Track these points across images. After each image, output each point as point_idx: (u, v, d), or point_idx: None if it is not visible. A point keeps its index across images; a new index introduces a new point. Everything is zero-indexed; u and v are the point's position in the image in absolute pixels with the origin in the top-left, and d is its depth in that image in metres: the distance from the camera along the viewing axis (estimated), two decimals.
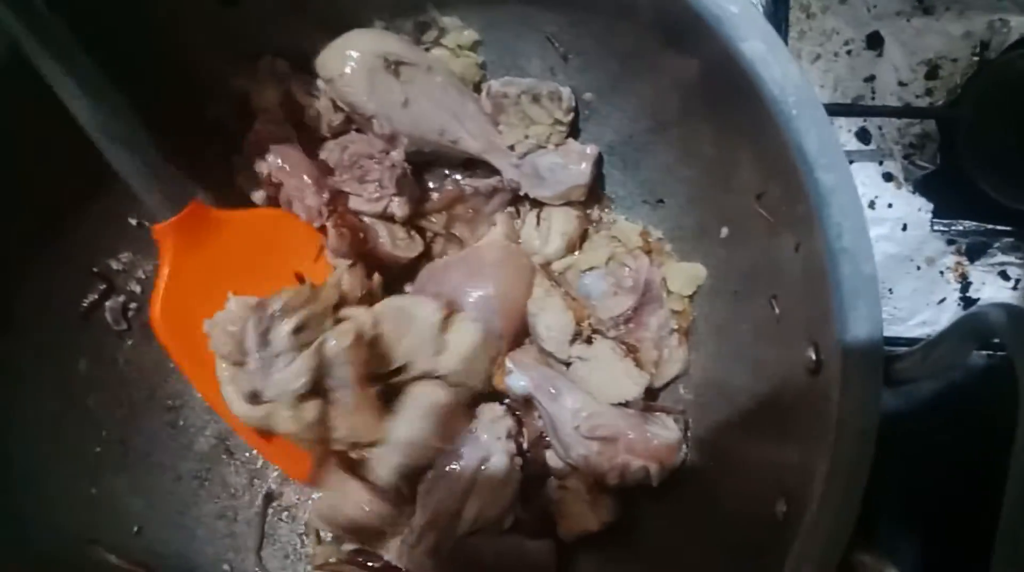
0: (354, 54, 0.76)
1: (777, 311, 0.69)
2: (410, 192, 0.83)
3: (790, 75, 0.58)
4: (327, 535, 0.86)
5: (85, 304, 0.82)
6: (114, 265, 0.84)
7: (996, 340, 0.52)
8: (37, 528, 0.75)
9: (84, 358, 0.82)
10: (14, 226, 0.74)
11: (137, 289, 0.85)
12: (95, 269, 0.83)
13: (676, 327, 0.83)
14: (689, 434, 0.82)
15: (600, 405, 0.79)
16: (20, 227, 0.74)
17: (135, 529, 0.82)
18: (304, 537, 0.87)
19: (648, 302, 0.83)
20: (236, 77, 0.81)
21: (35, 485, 0.76)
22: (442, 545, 0.79)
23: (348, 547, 0.85)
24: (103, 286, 0.83)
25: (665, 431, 0.79)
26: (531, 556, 0.80)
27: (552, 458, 0.82)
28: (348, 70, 0.76)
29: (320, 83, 0.81)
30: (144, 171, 0.68)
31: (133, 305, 0.85)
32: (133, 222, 0.84)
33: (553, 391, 0.79)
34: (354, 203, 0.82)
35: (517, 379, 0.80)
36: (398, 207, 0.82)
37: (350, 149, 0.81)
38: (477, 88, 0.84)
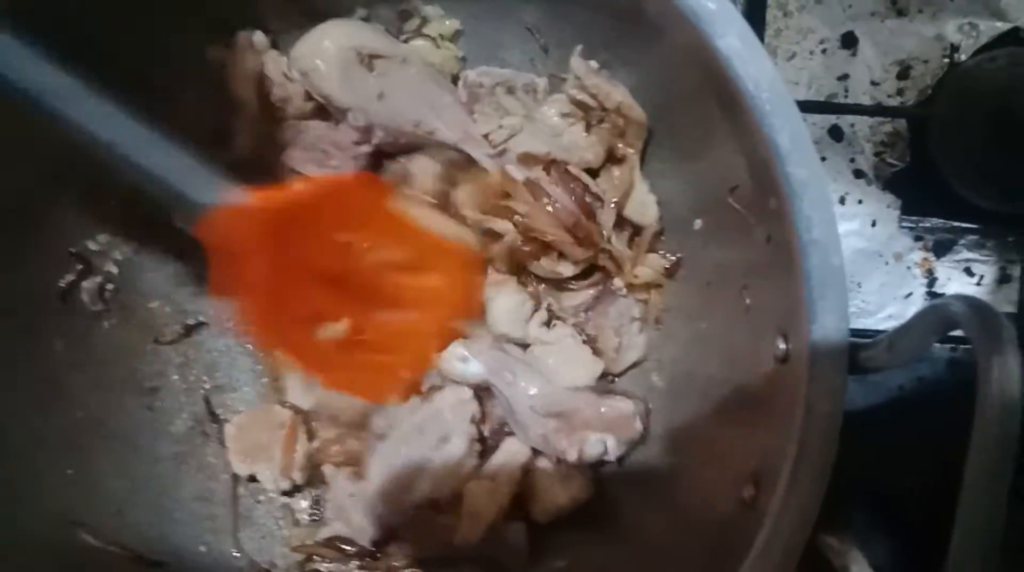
0: (328, 47, 0.77)
1: (748, 301, 0.71)
2: None
3: (765, 72, 0.60)
4: (304, 517, 0.87)
5: (62, 285, 0.82)
6: (91, 246, 0.84)
7: (958, 331, 0.54)
8: (17, 510, 0.74)
9: (61, 339, 0.82)
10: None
11: (114, 270, 0.86)
12: (72, 250, 0.83)
13: (640, 316, 0.84)
14: (649, 417, 0.84)
15: (556, 387, 0.80)
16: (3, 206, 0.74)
17: (115, 511, 0.82)
18: (280, 520, 0.88)
19: (609, 291, 0.85)
20: (212, 47, 0.80)
21: (15, 467, 0.76)
22: (391, 516, 0.81)
23: (324, 532, 0.86)
24: (80, 267, 0.83)
25: (619, 403, 0.81)
26: (504, 537, 0.81)
27: (515, 444, 0.83)
28: (322, 64, 0.77)
29: (295, 73, 0.81)
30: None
31: (110, 286, 0.85)
32: (113, 203, 0.83)
33: (509, 376, 0.80)
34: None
35: (472, 365, 0.81)
36: None
37: (314, 132, 0.82)
38: (456, 79, 0.85)
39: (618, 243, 0.82)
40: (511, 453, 0.81)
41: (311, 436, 0.87)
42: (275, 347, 0.81)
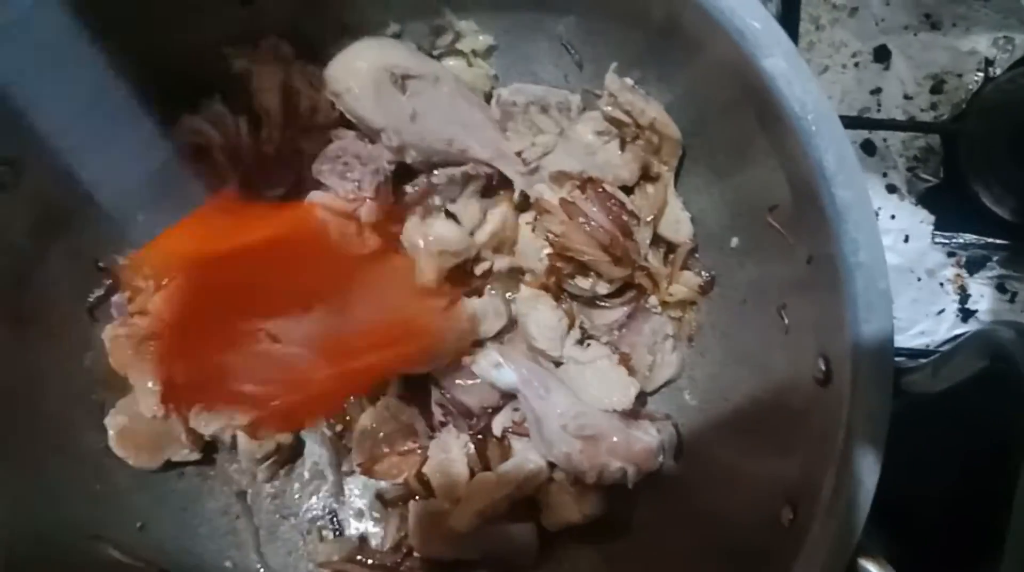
0: (361, 68, 0.76)
1: (786, 321, 0.70)
2: (383, 199, 0.82)
3: (811, 93, 0.59)
4: (329, 533, 0.87)
5: (91, 299, 0.82)
6: (120, 260, 0.83)
7: (1004, 358, 0.53)
8: (43, 523, 0.75)
9: (90, 352, 0.82)
10: (23, 221, 0.74)
11: (142, 284, 0.84)
12: (101, 264, 0.83)
13: (674, 333, 0.84)
14: (682, 440, 0.83)
15: (588, 407, 0.79)
16: (29, 222, 0.75)
17: (138, 525, 0.81)
18: (306, 535, 0.87)
19: (642, 309, 0.84)
20: (238, 58, 0.80)
21: (41, 480, 0.76)
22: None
23: (350, 545, 0.86)
24: (109, 281, 0.83)
25: (646, 436, 0.80)
26: (514, 537, 0.81)
27: (526, 450, 0.82)
28: (355, 86, 0.76)
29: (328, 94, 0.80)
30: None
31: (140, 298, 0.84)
32: (140, 218, 0.83)
33: (542, 389, 0.79)
34: (322, 197, 0.80)
35: (504, 373, 0.80)
36: (367, 212, 0.80)
37: (340, 143, 0.81)
38: (488, 97, 0.84)
39: (654, 261, 0.81)
40: (526, 461, 0.81)
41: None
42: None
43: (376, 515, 0.87)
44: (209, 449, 0.85)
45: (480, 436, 0.84)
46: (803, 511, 0.63)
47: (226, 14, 0.76)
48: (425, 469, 0.82)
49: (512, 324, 0.85)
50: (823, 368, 0.63)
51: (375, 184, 0.80)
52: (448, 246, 0.80)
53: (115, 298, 0.83)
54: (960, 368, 0.58)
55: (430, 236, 0.80)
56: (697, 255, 0.83)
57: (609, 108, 0.78)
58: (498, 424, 0.82)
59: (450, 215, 0.83)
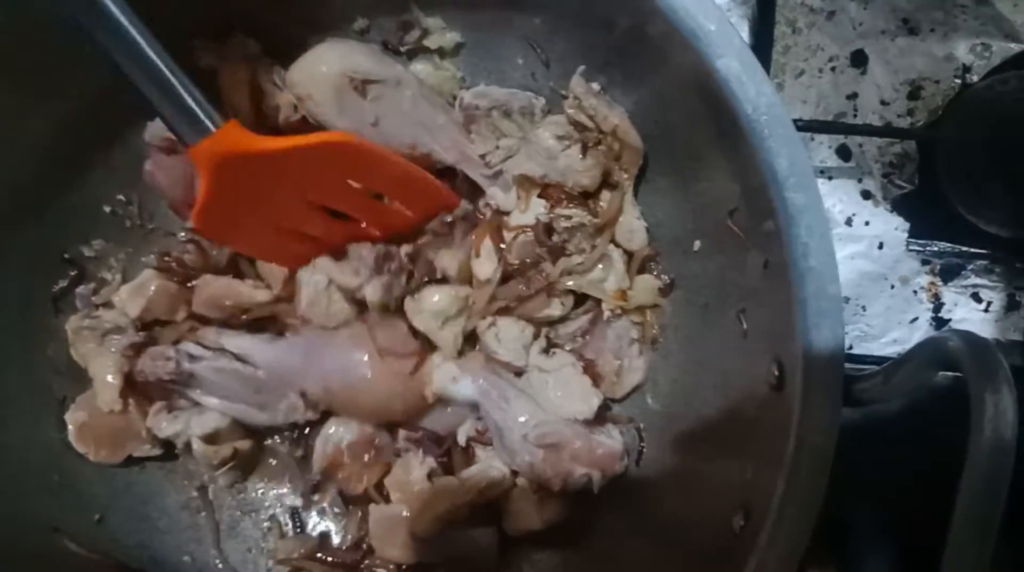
0: (322, 73, 0.76)
1: (745, 325, 0.70)
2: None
3: (764, 95, 0.59)
4: (289, 530, 0.86)
5: (55, 290, 0.82)
6: (86, 252, 0.84)
7: (953, 368, 0.52)
8: (0, 515, 0.74)
9: (52, 343, 0.82)
10: None
11: (108, 276, 0.85)
12: (66, 255, 0.82)
13: (638, 337, 0.83)
14: (643, 444, 0.83)
15: (549, 415, 0.79)
16: None
17: (97, 518, 0.81)
18: (267, 531, 0.87)
19: (603, 313, 0.84)
20: (204, 53, 0.80)
21: (1, 472, 0.76)
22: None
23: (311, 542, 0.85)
24: (74, 272, 0.83)
25: (609, 440, 0.80)
26: (474, 541, 0.81)
27: (490, 459, 0.82)
28: (316, 92, 0.76)
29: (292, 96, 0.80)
30: (173, 89, 0.63)
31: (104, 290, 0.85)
32: (107, 210, 0.83)
33: (501, 400, 0.79)
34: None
35: (462, 386, 0.80)
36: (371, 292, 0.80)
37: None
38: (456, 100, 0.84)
39: (600, 273, 0.82)
40: (489, 468, 0.80)
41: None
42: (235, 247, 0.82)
43: (337, 511, 0.86)
44: (171, 445, 0.85)
45: (445, 456, 0.84)
46: (754, 518, 0.62)
47: (193, 1, 0.75)
48: (386, 482, 0.82)
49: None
50: (776, 373, 0.63)
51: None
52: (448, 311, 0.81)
53: (80, 289, 0.83)
54: (911, 376, 0.57)
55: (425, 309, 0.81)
56: (658, 259, 0.83)
57: (573, 111, 0.77)
58: (462, 433, 0.82)
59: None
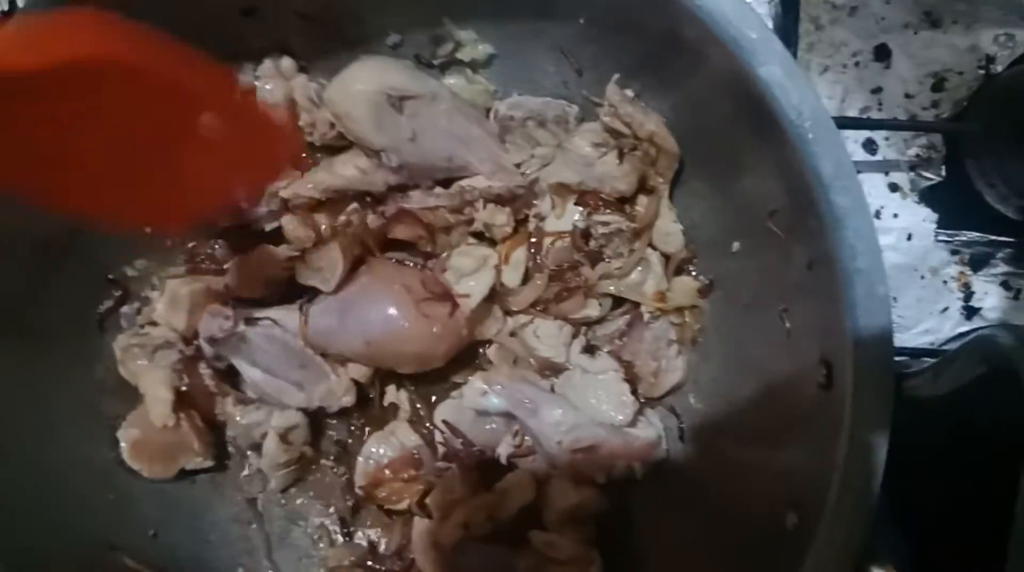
0: (359, 91, 0.77)
1: (788, 325, 0.71)
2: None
3: (807, 100, 0.59)
4: (339, 538, 0.88)
5: (101, 310, 0.83)
6: (129, 272, 0.85)
7: (1004, 362, 0.53)
8: (57, 533, 0.75)
9: (100, 364, 0.83)
10: (32, 234, 0.75)
11: (151, 295, 0.86)
12: (110, 276, 0.84)
13: (676, 338, 0.84)
14: (683, 434, 0.84)
15: (579, 414, 0.80)
16: (38, 234, 0.75)
17: (151, 533, 0.82)
18: (316, 540, 0.88)
19: (641, 315, 0.85)
20: (241, 73, 0.81)
21: (54, 490, 0.77)
22: None
23: (360, 549, 0.87)
24: (118, 293, 0.84)
25: (646, 431, 0.81)
26: (515, 563, 0.81)
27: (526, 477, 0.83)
28: (354, 109, 0.77)
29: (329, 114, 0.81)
30: None
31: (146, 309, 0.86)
32: (148, 230, 0.84)
33: (530, 405, 0.80)
34: None
35: (491, 398, 0.81)
36: None
37: None
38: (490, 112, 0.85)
39: (637, 276, 0.83)
40: (515, 483, 0.82)
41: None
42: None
43: (386, 520, 0.88)
44: (221, 456, 0.86)
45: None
46: (807, 516, 0.63)
47: (226, 25, 0.76)
48: (428, 501, 0.83)
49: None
50: (825, 373, 0.64)
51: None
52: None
53: (124, 309, 0.84)
54: (960, 373, 0.58)
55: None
56: (696, 260, 0.84)
57: (608, 119, 0.78)
58: (502, 452, 0.83)
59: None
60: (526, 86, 0.84)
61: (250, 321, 0.82)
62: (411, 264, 0.86)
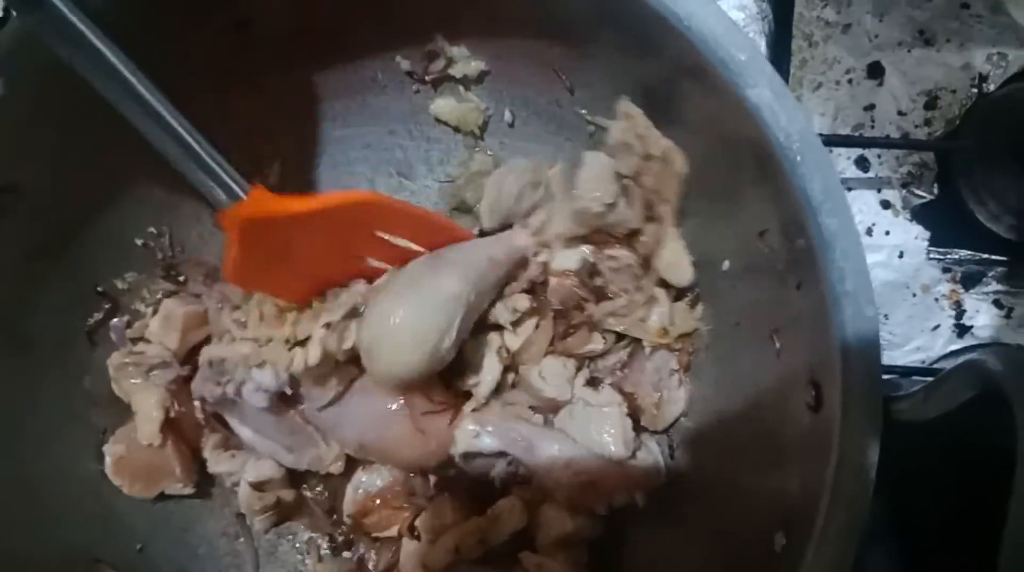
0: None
1: (778, 345, 0.70)
2: None
3: (795, 122, 0.59)
4: (327, 551, 0.87)
5: (90, 322, 0.83)
6: (119, 284, 0.84)
7: (993, 386, 0.53)
8: (43, 547, 0.75)
9: (88, 376, 0.83)
10: (21, 245, 0.74)
11: (141, 308, 0.86)
12: (100, 288, 0.83)
13: (677, 368, 0.83)
14: (675, 452, 0.84)
15: (577, 447, 0.79)
16: (27, 246, 0.75)
17: (138, 547, 0.82)
18: (305, 555, 0.88)
19: (643, 347, 0.84)
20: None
21: (40, 502, 0.77)
22: None
23: (348, 564, 0.86)
24: (107, 305, 0.83)
25: (644, 459, 0.81)
26: None
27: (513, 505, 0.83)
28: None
29: None
30: (202, 160, 0.67)
31: (137, 324, 0.85)
32: (139, 243, 0.84)
33: (524, 443, 0.80)
34: None
35: (484, 439, 0.80)
36: None
37: None
38: (482, 131, 0.86)
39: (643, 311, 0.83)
40: (508, 509, 0.81)
41: None
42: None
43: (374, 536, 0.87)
44: (206, 485, 0.86)
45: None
46: (796, 537, 0.63)
47: (221, 40, 0.76)
48: (418, 523, 0.83)
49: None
50: (814, 394, 0.63)
51: None
52: None
53: (114, 322, 0.84)
54: (950, 396, 0.58)
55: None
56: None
57: (621, 131, 0.77)
58: (496, 476, 0.82)
59: None
60: (518, 103, 0.84)
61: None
62: None
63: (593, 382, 0.83)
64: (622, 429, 0.79)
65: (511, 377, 0.84)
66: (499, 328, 0.82)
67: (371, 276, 0.81)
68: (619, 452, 0.78)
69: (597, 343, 0.82)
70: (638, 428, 0.83)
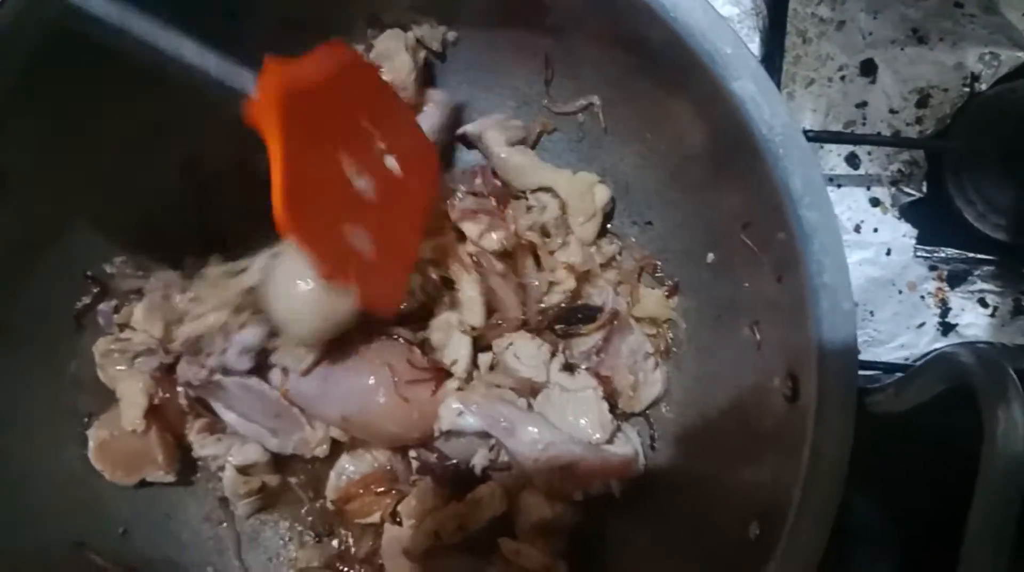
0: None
1: (758, 337, 0.71)
2: None
3: (779, 115, 0.60)
4: (309, 539, 0.88)
5: (78, 307, 0.83)
6: (108, 269, 0.84)
7: (964, 381, 0.54)
8: (25, 531, 0.75)
9: (75, 360, 0.83)
10: (10, 230, 0.74)
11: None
12: (88, 273, 0.83)
13: (652, 350, 0.84)
14: (655, 443, 0.85)
15: (556, 432, 0.80)
16: (16, 231, 0.75)
17: (121, 532, 0.82)
18: (287, 541, 0.88)
19: (617, 330, 0.85)
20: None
21: (24, 488, 0.77)
22: None
23: (330, 551, 0.87)
24: (96, 290, 0.84)
25: (623, 447, 0.81)
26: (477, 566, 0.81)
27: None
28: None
29: None
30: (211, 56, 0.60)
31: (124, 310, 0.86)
32: (129, 225, 0.84)
33: (506, 424, 0.80)
34: None
35: (467, 418, 0.81)
36: None
37: None
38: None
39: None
40: (487, 494, 0.82)
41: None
42: (310, 242, 0.69)
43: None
44: (187, 472, 0.87)
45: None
46: (770, 527, 0.63)
47: (211, 29, 0.76)
48: (400, 508, 0.83)
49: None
50: (791, 385, 0.64)
51: None
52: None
53: (101, 307, 0.84)
54: (921, 390, 0.58)
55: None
56: (663, 267, 0.86)
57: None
58: (477, 464, 0.82)
59: None
60: (507, 93, 0.86)
61: (228, 371, 0.81)
62: (399, 339, 0.85)
63: (569, 368, 0.83)
64: (598, 413, 0.80)
65: (489, 357, 0.85)
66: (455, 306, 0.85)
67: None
68: (596, 435, 0.79)
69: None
70: (617, 415, 0.83)
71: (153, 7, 0.59)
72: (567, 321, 0.86)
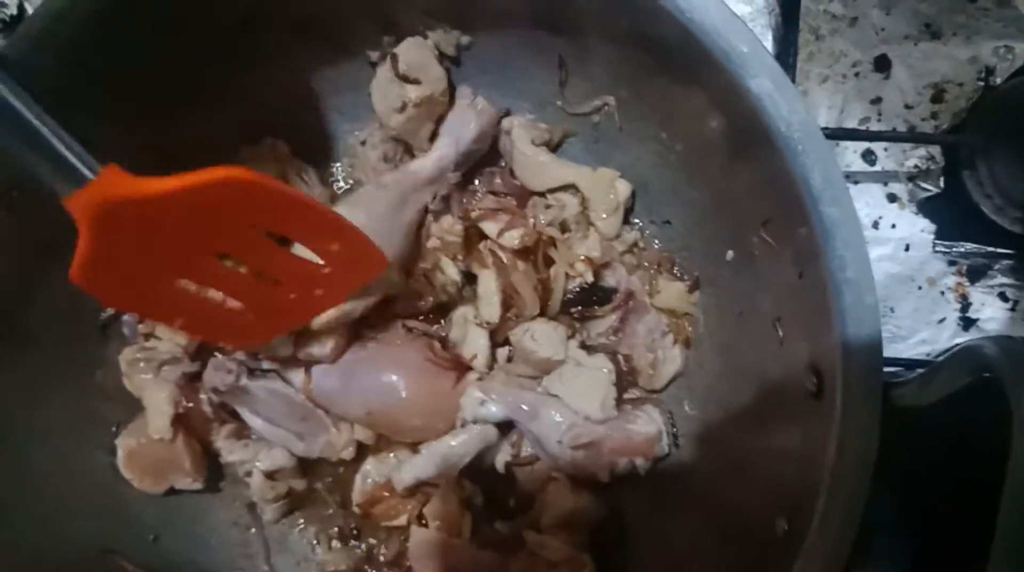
0: None
1: (781, 333, 0.71)
2: None
3: (797, 112, 0.60)
4: (338, 543, 0.88)
5: (103, 317, 0.84)
6: None
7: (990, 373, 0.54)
8: (55, 537, 0.76)
9: (101, 369, 0.84)
10: (33, 239, 0.75)
11: None
12: None
13: (669, 329, 0.86)
14: (678, 440, 0.85)
15: (574, 413, 0.81)
16: (39, 239, 0.75)
17: (151, 538, 0.83)
18: (315, 544, 0.89)
19: (633, 310, 0.86)
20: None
21: (53, 495, 0.78)
22: None
23: (358, 554, 0.87)
24: None
25: (646, 426, 0.82)
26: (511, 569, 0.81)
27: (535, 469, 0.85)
28: None
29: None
30: (45, 138, 0.57)
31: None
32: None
33: (528, 409, 0.81)
34: None
35: (491, 407, 0.82)
36: None
37: None
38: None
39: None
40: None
41: None
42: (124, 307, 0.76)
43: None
44: (215, 478, 0.87)
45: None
46: (798, 522, 0.63)
47: (225, 40, 0.77)
48: (425, 511, 0.83)
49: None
50: (815, 381, 0.64)
51: None
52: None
53: (125, 317, 0.85)
54: (947, 383, 0.58)
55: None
56: (681, 263, 0.87)
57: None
58: (500, 462, 0.84)
59: None
60: (524, 95, 0.86)
61: (253, 374, 0.83)
62: (420, 334, 0.87)
63: (586, 348, 0.85)
64: (604, 393, 0.81)
65: (508, 350, 0.86)
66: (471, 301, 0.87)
67: (230, 288, 0.73)
68: (595, 411, 0.80)
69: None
70: (638, 392, 0.86)
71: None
72: (583, 304, 0.86)
